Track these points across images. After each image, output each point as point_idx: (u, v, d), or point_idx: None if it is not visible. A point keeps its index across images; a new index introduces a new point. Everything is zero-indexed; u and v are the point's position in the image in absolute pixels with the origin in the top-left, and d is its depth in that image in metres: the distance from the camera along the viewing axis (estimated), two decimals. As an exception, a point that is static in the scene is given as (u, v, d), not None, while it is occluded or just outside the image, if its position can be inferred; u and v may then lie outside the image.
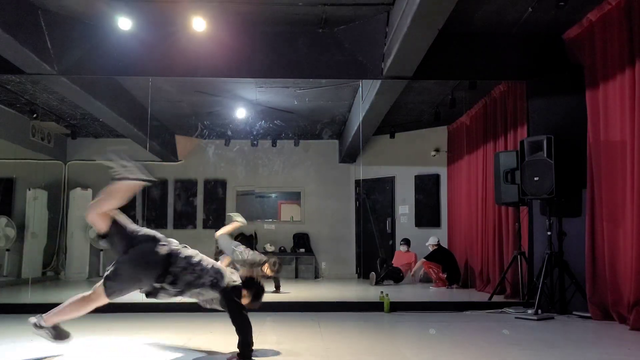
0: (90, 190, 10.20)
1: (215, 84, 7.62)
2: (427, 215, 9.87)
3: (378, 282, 8.68)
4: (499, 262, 7.24)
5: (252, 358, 3.27)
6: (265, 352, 3.54)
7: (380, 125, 8.53)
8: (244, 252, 7.36)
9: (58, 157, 10.40)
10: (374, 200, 10.40)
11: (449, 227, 9.56)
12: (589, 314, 5.13)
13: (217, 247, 10.32)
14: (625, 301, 4.67)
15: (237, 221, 7.45)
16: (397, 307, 5.90)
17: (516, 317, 5.33)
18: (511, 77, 6.53)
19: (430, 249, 8.72)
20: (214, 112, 9.03)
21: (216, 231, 10.48)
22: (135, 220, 10.91)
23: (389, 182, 10.30)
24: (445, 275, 8.41)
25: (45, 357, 3.53)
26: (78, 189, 10.16)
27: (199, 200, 10.70)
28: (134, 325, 4.99)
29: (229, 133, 9.95)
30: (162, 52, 6.09)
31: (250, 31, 6.06)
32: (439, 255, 8.64)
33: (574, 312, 5.37)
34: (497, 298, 6.45)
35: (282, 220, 10.98)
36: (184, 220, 10.58)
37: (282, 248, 10.45)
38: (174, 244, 3.55)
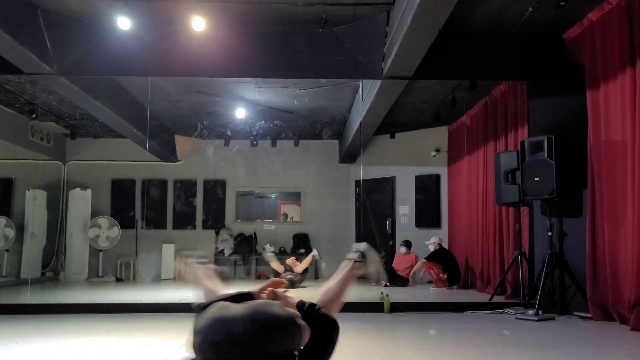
0: (89, 191, 10.21)
1: (215, 84, 7.61)
2: (427, 216, 9.85)
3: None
4: (500, 263, 7.22)
5: None
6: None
7: (380, 125, 8.53)
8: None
9: (57, 157, 10.38)
10: (374, 201, 10.39)
11: (449, 228, 9.54)
12: (589, 315, 5.12)
13: (217, 248, 10.34)
14: (626, 301, 4.66)
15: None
16: (398, 307, 5.89)
17: (517, 318, 5.32)
18: (511, 77, 6.52)
19: (432, 248, 8.70)
20: (214, 112, 9.02)
21: (216, 231, 10.53)
22: (134, 221, 10.91)
23: (389, 182, 10.28)
24: (446, 276, 8.39)
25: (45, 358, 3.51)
26: (77, 190, 10.15)
27: (199, 201, 10.69)
28: (134, 325, 4.98)
29: (229, 133, 9.94)
30: (161, 52, 6.08)
31: (250, 31, 6.05)
32: (439, 256, 8.61)
33: (575, 313, 5.36)
34: (497, 298, 6.44)
35: (280, 220, 10.97)
36: (183, 221, 10.58)
37: (282, 248, 10.44)
38: None
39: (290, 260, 8.91)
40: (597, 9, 5.14)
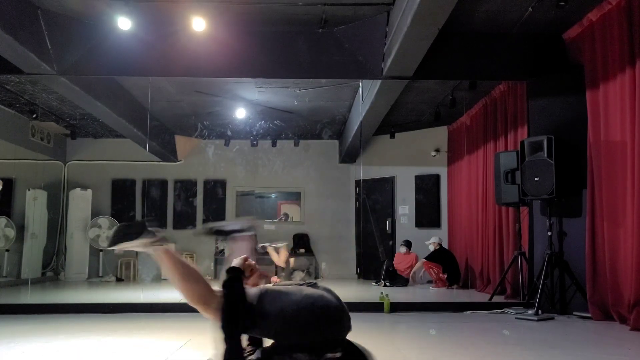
0: (89, 191, 10.22)
1: (215, 84, 7.61)
2: (427, 216, 9.85)
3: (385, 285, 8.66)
4: (500, 263, 7.23)
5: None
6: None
7: (380, 125, 8.53)
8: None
9: (57, 157, 10.39)
10: (374, 201, 10.39)
11: (449, 228, 9.55)
12: (589, 314, 5.13)
13: (217, 248, 10.35)
14: (626, 301, 4.67)
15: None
16: (397, 307, 5.90)
17: (516, 318, 5.32)
18: (511, 77, 6.52)
19: (432, 248, 8.70)
20: (214, 112, 9.03)
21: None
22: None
23: (389, 182, 10.29)
24: (446, 276, 8.40)
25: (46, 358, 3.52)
26: (77, 190, 10.16)
27: (199, 201, 10.69)
28: (134, 325, 4.99)
29: (229, 133, 9.95)
30: (162, 52, 6.08)
31: (250, 31, 6.06)
32: (439, 256, 8.62)
33: (575, 313, 5.36)
34: (497, 298, 6.45)
35: (278, 220, 10.98)
36: (183, 221, 10.58)
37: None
38: None
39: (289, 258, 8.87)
40: (596, 9, 5.14)
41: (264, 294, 2.26)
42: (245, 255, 2.41)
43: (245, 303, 2.19)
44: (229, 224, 2.86)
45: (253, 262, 2.42)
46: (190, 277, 2.24)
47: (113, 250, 2.16)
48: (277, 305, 2.18)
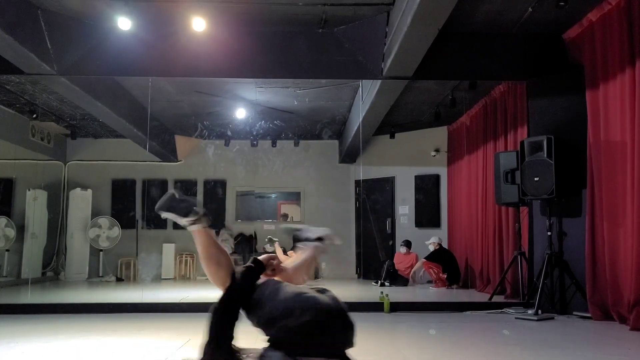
0: (89, 191, 10.22)
1: (215, 84, 7.62)
2: (427, 216, 9.86)
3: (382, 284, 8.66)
4: (499, 263, 7.23)
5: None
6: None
7: (380, 125, 8.53)
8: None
9: (58, 157, 10.40)
10: (374, 201, 10.39)
11: (449, 228, 9.55)
12: (589, 314, 5.13)
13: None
14: (626, 301, 4.67)
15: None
16: (397, 307, 5.90)
17: (516, 318, 5.32)
18: (511, 77, 6.53)
19: (432, 248, 8.70)
20: (214, 112, 9.03)
21: (216, 231, 10.53)
22: (134, 221, 10.90)
23: (389, 182, 10.29)
24: (446, 276, 8.40)
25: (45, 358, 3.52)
26: (78, 190, 10.16)
27: (199, 201, 10.67)
28: (134, 325, 4.99)
29: (229, 133, 9.95)
30: (162, 52, 6.08)
31: (250, 31, 6.06)
32: (439, 256, 8.62)
33: (574, 313, 5.37)
34: (497, 298, 6.45)
35: (280, 220, 10.98)
36: (183, 221, 10.57)
37: (282, 248, 10.45)
38: None
39: (291, 254, 8.90)
40: (596, 9, 5.15)
41: (267, 283, 2.30)
42: (273, 254, 2.44)
43: (250, 292, 2.24)
44: (308, 231, 2.84)
45: (278, 262, 2.43)
46: (216, 260, 2.34)
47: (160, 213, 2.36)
48: (273, 297, 2.19)
